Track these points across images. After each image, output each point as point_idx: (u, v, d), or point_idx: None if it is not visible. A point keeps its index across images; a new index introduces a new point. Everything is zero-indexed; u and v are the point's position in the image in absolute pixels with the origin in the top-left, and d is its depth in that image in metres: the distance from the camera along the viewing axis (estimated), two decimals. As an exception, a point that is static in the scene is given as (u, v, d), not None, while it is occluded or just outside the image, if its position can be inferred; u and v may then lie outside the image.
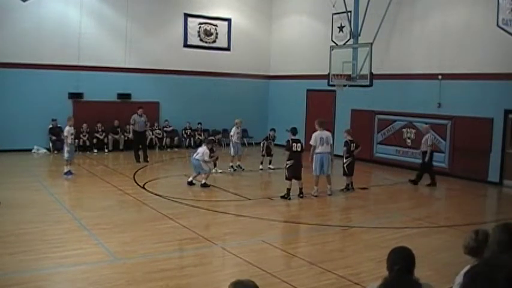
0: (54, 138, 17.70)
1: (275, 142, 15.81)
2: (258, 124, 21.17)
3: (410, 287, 3.13)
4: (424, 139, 13.39)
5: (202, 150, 12.65)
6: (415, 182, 13.44)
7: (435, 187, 13.27)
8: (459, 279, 3.30)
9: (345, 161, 12.44)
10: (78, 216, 9.19)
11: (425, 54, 15.62)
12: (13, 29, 17.08)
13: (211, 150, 13.70)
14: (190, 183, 12.56)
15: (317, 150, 11.68)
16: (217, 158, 13.70)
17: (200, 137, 19.97)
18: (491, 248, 3.17)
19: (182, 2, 20.48)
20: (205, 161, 12.50)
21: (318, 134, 11.73)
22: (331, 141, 11.87)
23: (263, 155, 15.37)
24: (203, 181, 12.41)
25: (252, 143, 21.05)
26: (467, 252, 3.66)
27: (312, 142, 11.73)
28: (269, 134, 15.65)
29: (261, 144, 15.71)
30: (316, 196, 11.63)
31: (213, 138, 14.49)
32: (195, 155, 12.73)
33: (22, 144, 17.18)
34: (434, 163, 14.67)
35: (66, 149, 13.42)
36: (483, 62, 13.90)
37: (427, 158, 13.21)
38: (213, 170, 14.26)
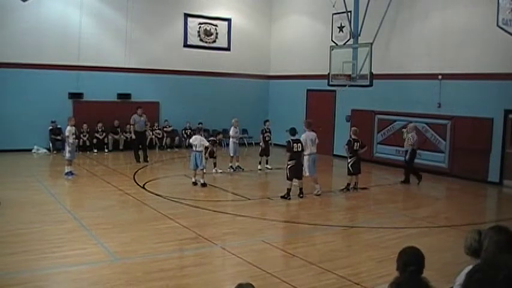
0: (54, 137, 17.70)
1: (273, 141, 15.81)
2: (258, 124, 21.05)
3: None
4: (407, 137, 13.61)
5: (198, 139, 12.59)
6: (405, 182, 13.65)
7: (408, 184, 13.54)
8: (459, 279, 3.29)
9: (349, 160, 12.47)
10: (78, 216, 9.19)
11: (425, 54, 15.60)
12: (13, 29, 17.07)
13: (211, 152, 13.71)
14: (195, 184, 12.58)
15: (308, 152, 11.74)
16: (213, 153, 13.90)
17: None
18: (487, 249, 3.14)
19: (182, 2, 20.48)
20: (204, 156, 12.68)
21: (307, 136, 11.84)
22: (317, 141, 12.12)
23: (261, 155, 15.34)
24: (202, 180, 12.45)
25: (252, 143, 21.04)
26: (469, 253, 3.57)
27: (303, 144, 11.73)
28: (265, 126, 15.64)
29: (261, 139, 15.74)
30: (319, 195, 11.67)
31: (213, 138, 14.46)
32: (193, 148, 12.62)
33: (22, 144, 17.18)
34: (435, 163, 14.70)
35: (67, 148, 13.39)
36: (483, 62, 13.89)
37: (407, 157, 13.47)
38: (213, 170, 14.27)
